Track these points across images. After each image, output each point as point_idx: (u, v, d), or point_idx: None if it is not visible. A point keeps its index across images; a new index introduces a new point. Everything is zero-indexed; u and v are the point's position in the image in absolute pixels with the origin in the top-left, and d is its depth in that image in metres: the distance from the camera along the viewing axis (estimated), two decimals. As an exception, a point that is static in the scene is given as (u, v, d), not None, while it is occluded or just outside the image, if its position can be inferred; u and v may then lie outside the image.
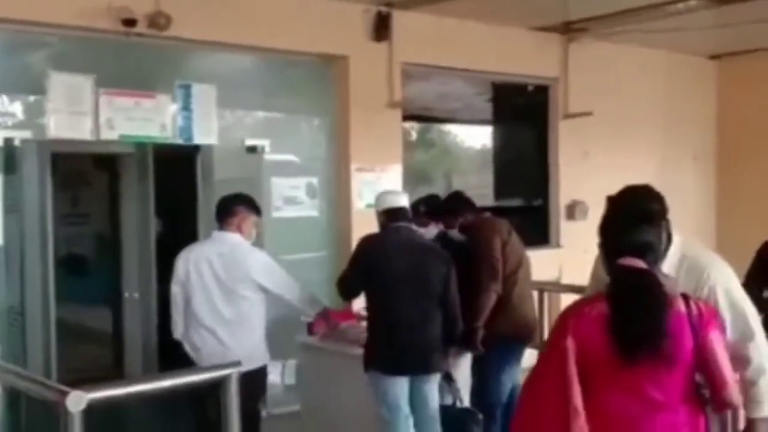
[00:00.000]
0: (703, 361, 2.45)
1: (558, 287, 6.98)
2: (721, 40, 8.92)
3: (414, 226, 4.70)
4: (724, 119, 9.58)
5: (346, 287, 4.64)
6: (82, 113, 5.49)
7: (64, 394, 2.59)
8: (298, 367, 5.74)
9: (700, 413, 2.52)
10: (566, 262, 7.74)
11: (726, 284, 2.83)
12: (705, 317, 2.48)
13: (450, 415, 4.50)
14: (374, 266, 4.44)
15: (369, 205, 6.92)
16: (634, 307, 2.41)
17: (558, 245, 8.23)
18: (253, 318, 4.45)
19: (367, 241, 4.60)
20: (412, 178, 7.60)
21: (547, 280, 7.02)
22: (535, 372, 2.63)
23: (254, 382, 4.27)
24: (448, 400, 4.61)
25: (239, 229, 4.50)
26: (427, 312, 4.41)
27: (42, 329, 6.46)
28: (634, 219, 2.63)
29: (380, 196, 4.82)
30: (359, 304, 5.15)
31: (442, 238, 5.14)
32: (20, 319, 6.24)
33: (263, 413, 6.25)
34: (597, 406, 2.42)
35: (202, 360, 4.37)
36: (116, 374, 6.85)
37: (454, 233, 5.14)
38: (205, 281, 4.41)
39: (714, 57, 9.55)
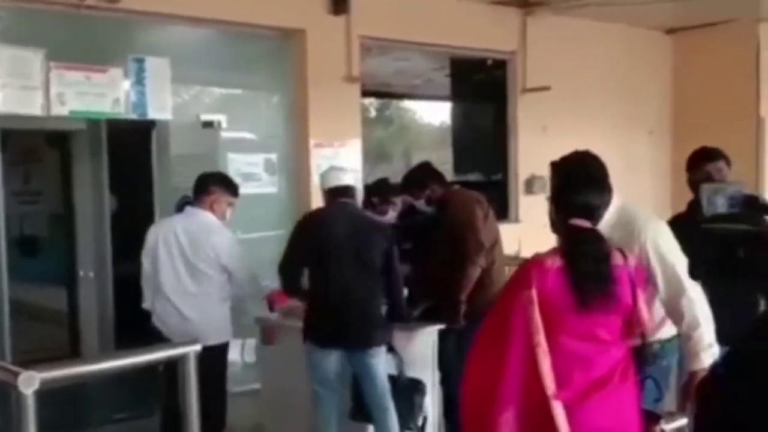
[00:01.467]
0: (635, 309, 2.82)
1: (520, 261, 7.01)
2: (677, 15, 8.99)
3: (357, 204, 4.66)
4: (679, 93, 9.67)
5: (289, 273, 4.51)
6: (31, 88, 5.33)
7: (15, 374, 2.52)
8: (258, 345, 5.70)
9: (628, 347, 2.86)
10: (525, 236, 7.77)
11: (656, 240, 3.04)
12: (637, 272, 2.84)
13: (394, 385, 4.48)
14: (315, 241, 4.42)
15: (328, 181, 6.89)
16: (585, 260, 2.75)
17: (517, 220, 8.27)
18: (216, 295, 4.48)
19: (308, 218, 4.59)
20: (371, 155, 7.59)
21: (507, 254, 7.05)
22: (495, 319, 2.86)
23: (217, 357, 4.35)
24: (392, 371, 4.58)
25: (211, 208, 4.53)
26: (367, 286, 4.41)
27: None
28: (584, 183, 2.93)
29: (325, 174, 4.77)
30: None
31: (409, 210, 5.11)
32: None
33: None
34: (557, 348, 2.70)
35: (168, 332, 4.42)
36: (73, 354, 6.76)
37: (421, 205, 5.09)
38: (171, 255, 4.47)
39: (670, 31, 9.62)
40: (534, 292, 2.70)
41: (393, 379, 4.50)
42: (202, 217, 4.51)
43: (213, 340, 4.27)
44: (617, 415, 2.73)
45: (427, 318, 4.92)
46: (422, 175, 5.09)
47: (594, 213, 2.88)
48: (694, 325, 2.99)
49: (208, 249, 4.41)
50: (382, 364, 4.44)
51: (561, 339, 2.72)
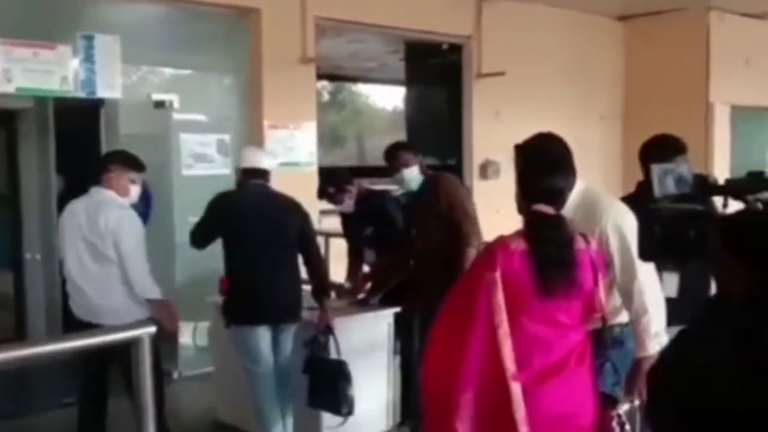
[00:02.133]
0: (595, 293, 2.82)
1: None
2: (629, 2, 9.09)
3: (271, 185, 4.60)
4: (630, 80, 9.80)
5: (198, 235, 4.52)
6: (-24, 63, 5.16)
7: (-38, 357, 2.44)
8: (210, 328, 5.63)
9: (587, 331, 2.85)
10: (479, 221, 7.82)
11: (616, 223, 3.03)
12: (598, 257, 2.84)
13: (325, 366, 4.47)
14: (229, 221, 4.43)
15: (283, 164, 6.81)
16: (549, 246, 2.74)
17: (471, 204, 8.30)
18: (115, 275, 4.33)
19: (221, 198, 4.56)
20: (324, 139, 7.52)
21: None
22: (458, 299, 2.83)
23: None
24: (322, 353, 4.54)
25: (111, 186, 4.42)
26: (285, 264, 4.45)
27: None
28: (548, 166, 2.90)
29: (242, 153, 4.74)
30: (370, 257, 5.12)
31: (366, 196, 5.09)
32: None
33: (175, 375, 6.17)
34: (518, 331, 2.70)
35: (78, 313, 4.37)
36: (19, 338, 6.59)
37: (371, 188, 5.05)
38: (73, 236, 4.38)
39: (622, 18, 9.72)
40: (498, 274, 2.68)
41: (321, 361, 4.48)
42: (100, 195, 4.42)
43: (110, 321, 4.17)
44: (572, 399, 2.73)
45: (393, 302, 4.88)
46: (402, 146, 4.87)
47: (559, 196, 2.85)
48: (641, 311, 3.01)
49: (101, 224, 4.29)
50: (290, 340, 4.51)
51: (522, 322, 2.71)
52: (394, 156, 4.68)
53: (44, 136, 6.88)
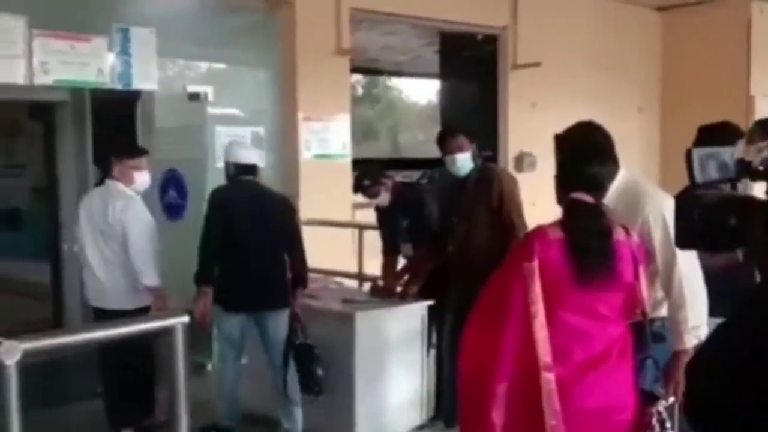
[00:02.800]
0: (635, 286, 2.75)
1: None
2: (668, -8, 8.95)
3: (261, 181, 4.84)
4: (669, 72, 9.64)
5: (209, 255, 4.65)
6: (14, 56, 5.20)
7: (-3, 344, 2.45)
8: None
9: (628, 325, 2.77)
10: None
11: (659, 212, 2.95)
12: (639, 249, 2.77)
13: (297, 350, 4.60)
14: (225, 213, 4.66)
15: (317, 156, 6.82)
16: (586, 235, 2.68)
17: (506, 197, 8.22)
18: (120, 262, 4.64)
19: (218, 192, 4.80)
20: (358, 133, 7.50)
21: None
22: (495, 290, 2.80)
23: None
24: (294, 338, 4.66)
25: (116, 177, 4.73)
26: (270, 256, 4.67)
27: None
28: (589, 155, 2.83)
29: (233, 147, 4.92)
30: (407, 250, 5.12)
31: (401, 190, 5.07)
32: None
33: (208, 366, 6.18)
34: (556, 322, 2.64)
35: (88, 299, 4.78)
36: (56, 328, 6.67)
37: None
38: (88, 225, 4.73)
39: (660, 9, 9.57)
40: (535, 264, 2.63)
41: (294, 346, 4.61)
42: (109, 186, 4.74)
43: (112, 305, 4.56)
44: (613, 394, 2.67)
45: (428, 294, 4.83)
46: (457, 130, 4.68)
47: (598, 185, 2.78)
48: (680, 303, 2.94)
49: (110, 213, 4.61)
50: (280, 326, 4.64)
51: (561, 313, 2.65)
52: (449, 140, 4.57)
53: (81, 129, 6.95)
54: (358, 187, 5.15)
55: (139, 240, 4.58)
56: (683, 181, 2.71)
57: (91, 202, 4.79)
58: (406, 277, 5.04)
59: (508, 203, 4.47)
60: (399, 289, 5.01)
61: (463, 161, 4.51)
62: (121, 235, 4.58)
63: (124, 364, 4.57)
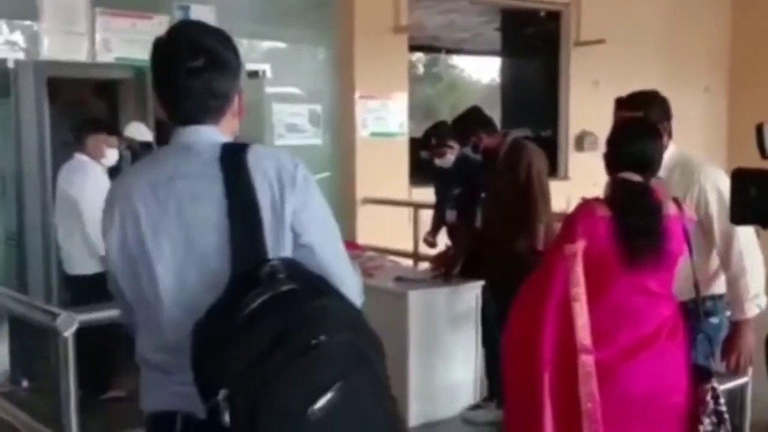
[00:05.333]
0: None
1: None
2: (739, -33, 8.64)
3: None
4: (737, 51, 9.33)
5: None
6: (77, 34, 5.32)
7: (54, 315, 2.51)
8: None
9: (678, 303, 2.71)
10: (574, 194, 7.60)
11: (716, 183, 2.90)
12: (691, 223, 2.71)
13: None
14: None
15: (373, 134, 6.80)
16: (634, 213, 2.59)
17: (566, 177, 8.10)
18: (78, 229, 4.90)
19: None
20: (418, 112, 7.48)
21: (554, 212, 6.92)
22: (540, 272, 2.77)
23: (84, 289, 4.87)
24: None
25: (87, 152, 4.99)
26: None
27: (42, 260, 6.42)
28: (636, 133, 2.74)
29: (136, 127, 5.28)
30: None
31: (463, 159, 4.99)
32: (18, 248, 6.19)
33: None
34: (603, 302, 2.58)
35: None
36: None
37: (469, 153, 4.98)
38: (58, 197, 5.07)
39: (730, -15, 9.28)
40: (579, 245, 2.56)
41: None
42: (77, 159, 5.02)
43: (71, 270, 5.01)
44: (663, 376, 2.60)
45: (472, 275, 4.79)
46: (469, 121, 4.87)
47: (648, 164, 2.68)
48: (740, 272, 2.88)
49: (68, 187, 4.93)
50: None
51: (609, 292, 2.59)
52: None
53: (143, 107, 7.04)
54: (424, 144, 5.10)
55: (91, 211, 4.59)
56: (751, 164, 2.67)
57: (61, 175, 5.08)
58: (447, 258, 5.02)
59: (534, 180, 4.42)
60: (441, 270, 4.97)
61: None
62: (76, 204, 4.87)
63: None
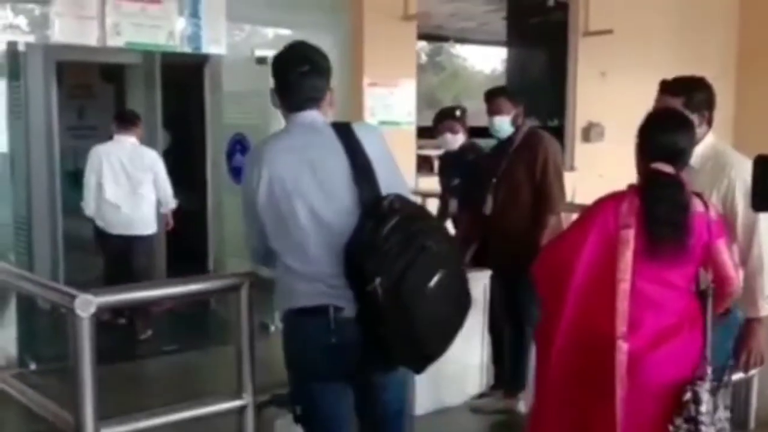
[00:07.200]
0: (712, 261, 2.68)
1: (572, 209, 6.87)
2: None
3: None
4: (745, 40, 9.30)
5: None
6: (87, 17, 5.30)
7: (72, 297, 2.52)
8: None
9: (697, 297, 2.71)
10: (580, 185, 7.61)
11: (744, 179, 2.86)
12: (718, 223, 2.68)
13: None
14: None
15: (382, 122, 6.79)
16: (662, 206, 2.60)
17: (572, 168, 8.08)
18: (150, 196, 5.95)
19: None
20: (421, 101, 7.44)
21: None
22: (562, 251, 2.78)
23: (151, 243, 6.21)
24: None
25: (137, 136, 6.01)
26: None
27: (50, 242, 6.44)
28: (670, 122, 2.73)
29: None
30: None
31: (468, 148, 4.99)
32: (27, 231, 6.20)
33: (272, 328, 6.26)
34: (630, 290, 2.59)
35: (108, 227, 5.88)
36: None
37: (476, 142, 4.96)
38: (116, 170, 5.82)
39: (739, -25, 9.24)
40: (630, 232, 2.58)
41: None
42: (131, 140, 5.96)
43: (139, 231, 5.93)
44: (686, 368, 2.60)
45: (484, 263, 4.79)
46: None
47: (679, 155, 2.68)
48: (757, 270, 2.88)
49: (147, 161, 5.92)
50: None
51: (634, 280, 2.59)
52: (490, 101, 4.56)
53: (151, 92, 7.05)
54: (444, 116, 5.11)
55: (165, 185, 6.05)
56: (758, 152, 2.71)
57: (113, 151, 5.93)
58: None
59: (550, 171, 4.40)
60: None
61: (500, 123, 4.48)
62: (151, 176, 6.00)
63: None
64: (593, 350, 2.59)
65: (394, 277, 2.28)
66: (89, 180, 5.83)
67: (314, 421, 2.56)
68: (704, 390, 2.55)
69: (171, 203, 6.10)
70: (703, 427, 2.54)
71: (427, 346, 2.48)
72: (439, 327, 2.47)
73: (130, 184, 5.86)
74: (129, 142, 5.93)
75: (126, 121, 6.05)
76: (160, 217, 6.13)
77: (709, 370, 2.62)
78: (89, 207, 5.87)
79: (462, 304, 2.54)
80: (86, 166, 5.86)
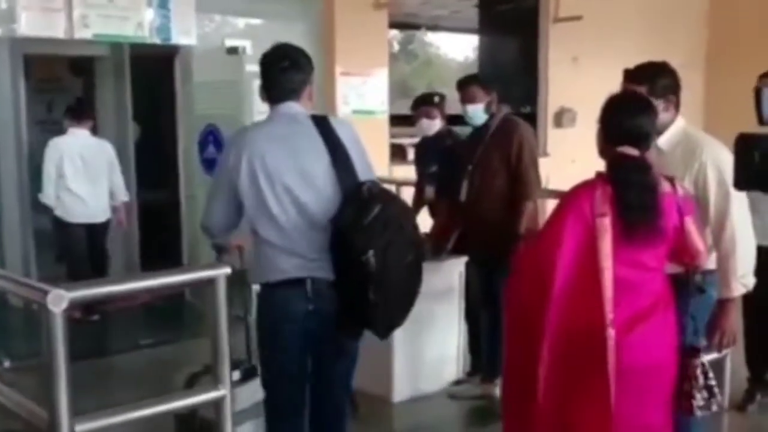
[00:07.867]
0: (682, 238, 2.71)
1: (547, 194, 6.88)
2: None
3: None
4: (716, 24, 9.37)
5: None
6: (54, 10, 5.22)
7: (44, 292, 2.48)
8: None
9: (668, 277, 2.76)
10: (553, 170, 7.64)
11: (717, 161, 2.91)
12: (686, 200, 2.72)
13: None
14: None
15: (355, 111, 6.78)
16: (631, 190, 2.61)
17: (545, 153, 8.12)
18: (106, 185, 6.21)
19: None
20: (394, 90, 7.43)
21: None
22: (545, 239, 2.79)
23: (108, 226, 6.40)
24: None
25: (88, 127, 6.19)
26: None
27: (20, 239, 6.37)
28: (633, 108, 2.74)
29: None
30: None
31: (444, 134, 4.97)
32: (-2, 226, 6.13)
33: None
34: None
35: (69, 216, 6.06)
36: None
37: (452, 129, 4.96)
38: (76, 163, 6.01)
39: (707, -41, 9.31)
40: (606, 220, 2.58)
41: None
42: (86, 133, 6.18)
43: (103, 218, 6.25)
44: (661, 351, 2.64)
45: (461, 251, 4.79)
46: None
47: (644, 139, 2.70)
48: (730, 250, 2.90)
49: (106, 154, 6.19)
50: None
51: (614, 265, 2.59)
52: (462, 89, 4.58)
53: (121, 84, 6.98)
54: (423, 101, 5.10)
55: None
56: (728, 139, 2.73)
57: (73, 144, 6.10)
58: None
59: (526, 158, 4.42)
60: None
61: (474, 111, 4.51)
62: (110, 167, 6.34)
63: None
64: (582, 341, 2.59)
65: (382, 251, 2.64)
66: (49, 170, 5.94)
67: (278, 386, 2.94)
68: (706, 360, 2.67)
69: (123, 196, 6.36)
70: (716, 390, 2.70)
71: (396, 314, 2.87)
72: (407, 298, 2.87)
73: (90, 175, 6.06)
74: (83, 135, 6.11)
75: (78, 113, 6.24)
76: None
77: (703, 341, 2.71)
78: (48, 197, 5.99)
79: (419, 281, 2.90)
80: (45, 157, 5.95)
